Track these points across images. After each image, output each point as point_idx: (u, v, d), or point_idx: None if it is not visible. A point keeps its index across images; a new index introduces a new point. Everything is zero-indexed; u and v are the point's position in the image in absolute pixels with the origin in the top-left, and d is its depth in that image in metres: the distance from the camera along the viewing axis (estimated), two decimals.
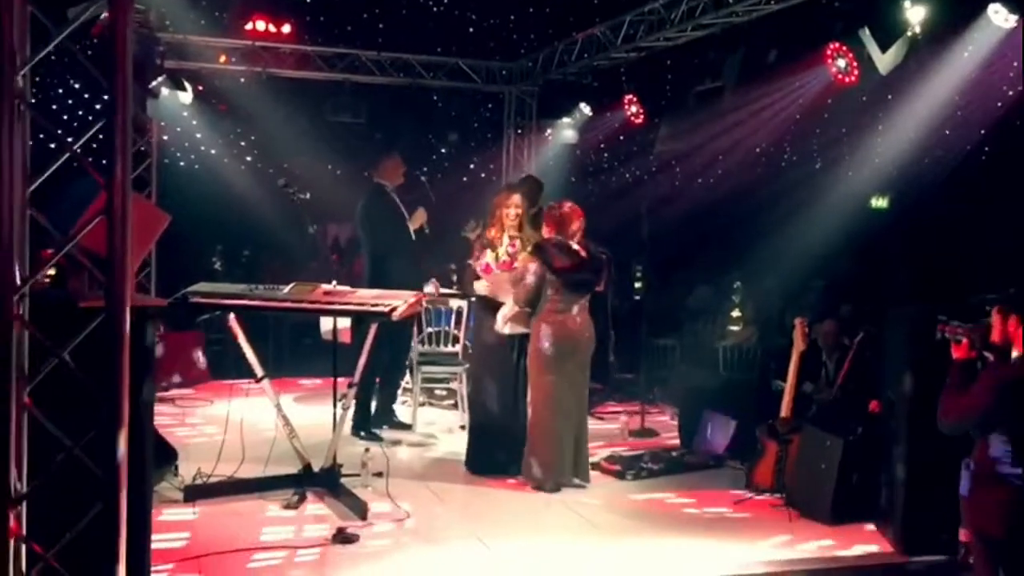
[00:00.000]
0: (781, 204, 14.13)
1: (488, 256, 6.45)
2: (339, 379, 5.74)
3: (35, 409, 2.74)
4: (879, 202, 14.89)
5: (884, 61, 6.11)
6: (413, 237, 7.42)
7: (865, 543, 5.25)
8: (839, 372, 6.45)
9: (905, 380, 5.11)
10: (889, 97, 9.86)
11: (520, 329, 6.22)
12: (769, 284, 11.19)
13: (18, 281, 2.66)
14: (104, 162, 2.63)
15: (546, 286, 5.98)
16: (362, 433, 7.13)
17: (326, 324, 6.35)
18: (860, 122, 12.56)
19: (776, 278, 11.40)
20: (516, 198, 6.51)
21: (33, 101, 2.75)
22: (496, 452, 6.30)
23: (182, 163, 14.00)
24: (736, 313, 10.16)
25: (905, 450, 5.14)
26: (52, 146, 2.78)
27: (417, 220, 7.48)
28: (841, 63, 6.55)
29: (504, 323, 6.20)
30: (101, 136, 2.68)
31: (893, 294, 9.61)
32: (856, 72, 6.39)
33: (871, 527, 5.41)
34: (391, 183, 7.47)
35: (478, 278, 6.50)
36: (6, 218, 2.59)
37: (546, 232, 6.15)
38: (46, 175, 2.75)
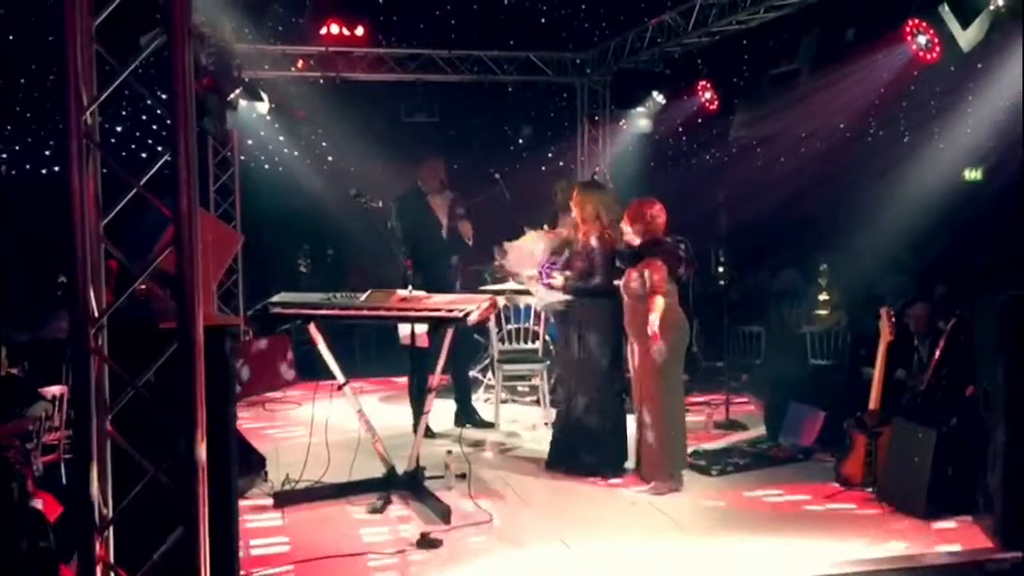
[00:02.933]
0: (868, 181, 13.69)
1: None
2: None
3: (118, 436, 2.81)
4: (972, 174, 14.32)
5: (966, 38, 5.85)
6: (444, 239, 7.39)
7: (964, 537, 5.06)
8: (932, 358, 6.22)
9: (999, 369, 4.91)
10: (979, 66, 9.42)
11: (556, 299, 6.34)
12: (858, 265, 10.85)
13: (95, 313, 2.73)
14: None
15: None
16: (468, 425, 7.48)
17: (404, 329, 6.40)
18: (950, 94, 12.07)
19: (865, 258, 11.05)
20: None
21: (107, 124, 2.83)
22: (579, 453, 6.27)
23: (267, 166, 14.34)
24: (823, 297, 9.86)
25: (1003, 441, 4.94)
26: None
27: (464, 233, 7.43)
28: (922, 40, 6.29)
29: (544, 300, 6.36)
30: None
31: (988, 274, 9.21)
32: (938, 49, 6.13)
33: (969, 521, 5.22)
34: (428, 186, 7.41)
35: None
36: (80, 254, 2.67)
37: (631, 228, 6.00)
38: (116, 209, 2.81)
